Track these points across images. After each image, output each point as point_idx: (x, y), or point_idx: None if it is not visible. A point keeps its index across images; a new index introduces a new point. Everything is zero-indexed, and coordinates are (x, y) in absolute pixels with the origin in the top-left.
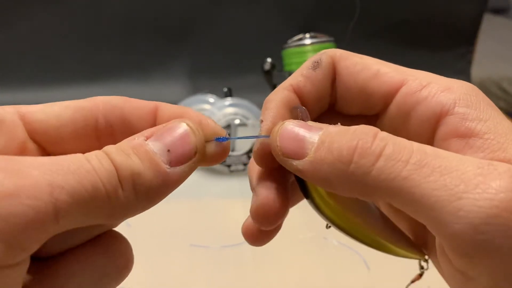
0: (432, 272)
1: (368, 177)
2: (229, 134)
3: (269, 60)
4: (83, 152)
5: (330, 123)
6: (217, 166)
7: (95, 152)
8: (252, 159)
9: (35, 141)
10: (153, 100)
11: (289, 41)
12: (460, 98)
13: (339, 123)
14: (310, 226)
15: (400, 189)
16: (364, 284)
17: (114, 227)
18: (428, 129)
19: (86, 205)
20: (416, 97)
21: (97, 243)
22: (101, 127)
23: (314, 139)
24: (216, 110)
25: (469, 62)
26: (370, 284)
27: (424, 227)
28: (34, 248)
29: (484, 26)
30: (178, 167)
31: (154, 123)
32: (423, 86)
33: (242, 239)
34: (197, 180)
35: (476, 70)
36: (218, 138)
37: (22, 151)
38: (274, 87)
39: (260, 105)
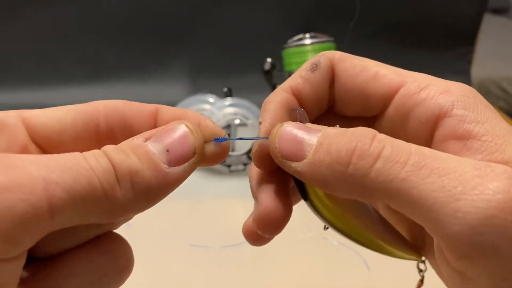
0: (427, 274)
1: (366, 179)
2: (228, 135)
3: (269, 60)
4: None
5: (328, 125)
6: (217, 166)
7: (93, 151)
8: (253, 164)
9: (37, 144)
10: (153, 100)
11: (289, 41)
12: (458, 100)
13: (337, 125)
14: (310, 226)
15: (398, 191)
16: (364, 284)
17: (114, 229)
18: (427, 131)
19: (82, 202)
20: (414, 99)
21: (96, 244)
22: (102, 130)
23: (313, 141)
24: (216, 110)
25: (469, 62)
26: (370, 284)
27: (421, 228)
28: (29, 243)
29: (484, 26)
30: (177, 167)
31: (154, 126)
32: (422, 88)
33: (242, 239)
34: (197, 180)
35: (476, 70)
36: (217, 139)
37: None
38: (274, 87)
39: (260, 105)
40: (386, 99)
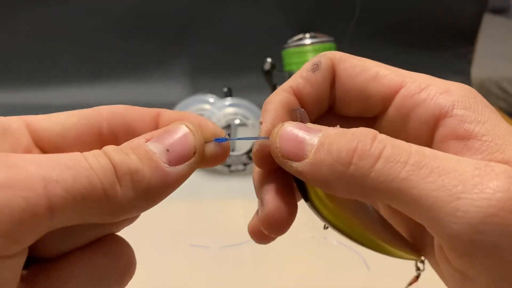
0: (424, 274)
1: (367, 179)
2: (228, 135)
3: (269, 60)
4: None
5: (329, 125)
6: (217, 166)
7: (93, 151)
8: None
9: (40, 148)
10: (153, 100)
11: (289, 41)
12: (458, 100)
13: (338, 125)
14: (310, 226)
15: (399, 190)
16: (364, 284)
17: (116, 232)
18: (427, 131)
19: (82, 201)
20: (415, 99)
21: (97, 245)
22: (105, 134)
23: (314, 141)
24: (216, 110)
25: (469, 62)
26: (370, 284)
27: (421, 228)
28: (28, 241)
29: (484, 26)
30: (177, 167)
31: (156, 129)
32: (422, 89)
33: (242, 239)
34: (197, 180)
35: (476, 70)
36: (218, 139)
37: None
38: (274, 87)
39: (260, 105)
40: (386, 100)
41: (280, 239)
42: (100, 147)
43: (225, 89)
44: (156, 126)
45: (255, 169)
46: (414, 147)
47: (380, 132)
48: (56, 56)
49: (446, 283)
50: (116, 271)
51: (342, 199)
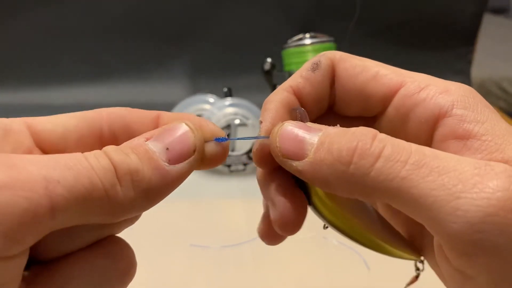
0: (424, 274)
1: (367, 178)
2: (228, 135)
3: (269, 60)
4: None
5: (329, 125)
6: (217, 166)
7: (94, 151)
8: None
9: (41, 149)
10: (153, 100)
11: (289, 41)
12: (458, 100)
13: (338, 125)
14: (310, 226)
15: (399, 190)
16: (364, 284)
17: (117, 233)
18: (426, 131)
19: (83, 201)
20: (414, 99)
21: (98, 247)
22: (105, 136)
23: (314, 140)
24: (216, 110)
25: (469, 62)
26: (370, 284)
27: (420, 229)
28: (30, 241)
29: (484, 26)
30: (177, 165)
31: None
32: (421, 88)
33: (242, 239)
34: (197, 180)
35: (476, 70)
36: (218, 139)
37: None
38: (274, 87)
39: (260, 105)
40: (386, 99)
41: None
42: (100, 148)
43: (225, 89)
44: (156, 128)
45: (259, 169)
46: (414, 146)
47: (380, 132)
48: (56, 56)
49: (446, 283)
50: (116, 272)
51: (342, 199)
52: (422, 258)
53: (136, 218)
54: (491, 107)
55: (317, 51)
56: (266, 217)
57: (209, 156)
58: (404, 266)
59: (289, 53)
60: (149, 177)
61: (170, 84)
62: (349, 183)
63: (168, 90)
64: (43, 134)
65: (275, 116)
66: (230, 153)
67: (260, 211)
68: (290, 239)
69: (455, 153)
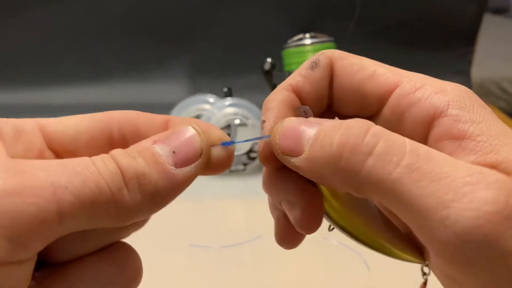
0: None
1: (359, 175)
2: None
3: (269, 60)
4: None
5: None
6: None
7: (101, 155)
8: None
9: (52, 150)
10: (153, 100)
11: (289, 41)
12: (453, 100)
13: (336, 118)
14: None
15: (389, 191)
16: (364, 284)
17: (125, 237)
18: (422, 131)
19: (91, 206)
20: (409, 99)
21: (106, 253)
22: (115, 138)
23: (311, 135)
24: (216, 110)
25: (469, 62)
26: (370, 284)
27: None
28: (38, 247)
29: (484, 26)
30: (183, 168)
31: None
32: (417, 88)
33: (242, 239)
34: (197, 180)
35: (476, 70)
36: (224, 143)
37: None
38: (274, 87)
39: (260, 105)
40: (383, 99)
41: None
42: (110, 150)
43: (225, 89)
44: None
45: (266, 173)
46: (408, 145)
47: None
48: (56, 56)
49: (442, 284)
50: (123, 279)
51: (348, 200)
52: (427, 262)
53: (144, 221)
54: (487, 107)
55: (317, 51)
56: (281, 221)
57: (215, 160)
58: (404, 267)
59: (289, 53)
60: (156, 180)
61: (170, 84)
62: (342, 178)
63: (168, 90)
64: (55, 135)
65: (278, 115)
66: None
67: (260, 211)
68: None
69: (449, 153)
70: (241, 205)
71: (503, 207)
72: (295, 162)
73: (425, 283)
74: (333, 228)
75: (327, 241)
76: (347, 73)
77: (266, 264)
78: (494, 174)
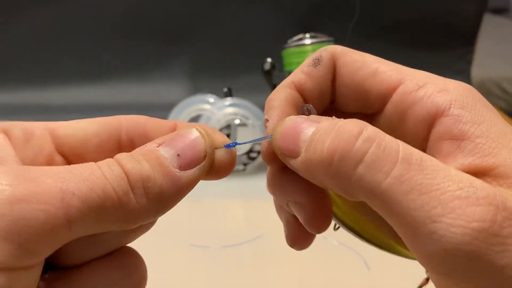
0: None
1: (350, 181)
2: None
3: (269, 60)
4: None
5: None
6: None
7: (107, 160)
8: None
9: (61, 154)
10: (153, 100)
11: (289, 41)
12: (456, 99)
13: (333, 116)
14: None
15: (378, 199)
16: (364, 284)
17: (132, 240)
18: (424, 130)
19: (98, 211)
20: (412, 97)
21: (113, 258)
22: (124, 142)
23: (308, 136)
24: (216, 110)
25: (469, 62)
26: (370, 284)
27: None
28: (46, 252)
29: (484, 26)
30: (188, 171)
31: None
32: (420, 86)
33: (242, 239)
34: None
35: (476, 70)
36: (227, 145)
37: (49, 164)
38: (274, 87)
39: (260, 105)
40: (385, 96)
41: (279, 239)
42: (118, 153)
43: (225, 89)
44: None
45: (270, 174)
46: (401, 152)
47: (378, 129)
48: (56, 56)
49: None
50: (129, 284)
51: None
52: None
53: (151, 224)
54: (490, 106)
55: None
56: (291, 223)
57: (218, 163)
58: (404, 266)
59: (289, 53)
60: (161, 183)
61: (170, 84)
62: (335, 182)
63: (168, 90)
64: (64, 139)
65: (281, 113)
66: None
67: (260, 211)
68: None
69: (448, 154)
70: (241, 205)
71: (490, 224)
72: (294, 163)
73: (427, 279)
74: (338, 227)
75: (327, 241)
76: (350, 69)
77: (266, 264)
78: (485, 189)
